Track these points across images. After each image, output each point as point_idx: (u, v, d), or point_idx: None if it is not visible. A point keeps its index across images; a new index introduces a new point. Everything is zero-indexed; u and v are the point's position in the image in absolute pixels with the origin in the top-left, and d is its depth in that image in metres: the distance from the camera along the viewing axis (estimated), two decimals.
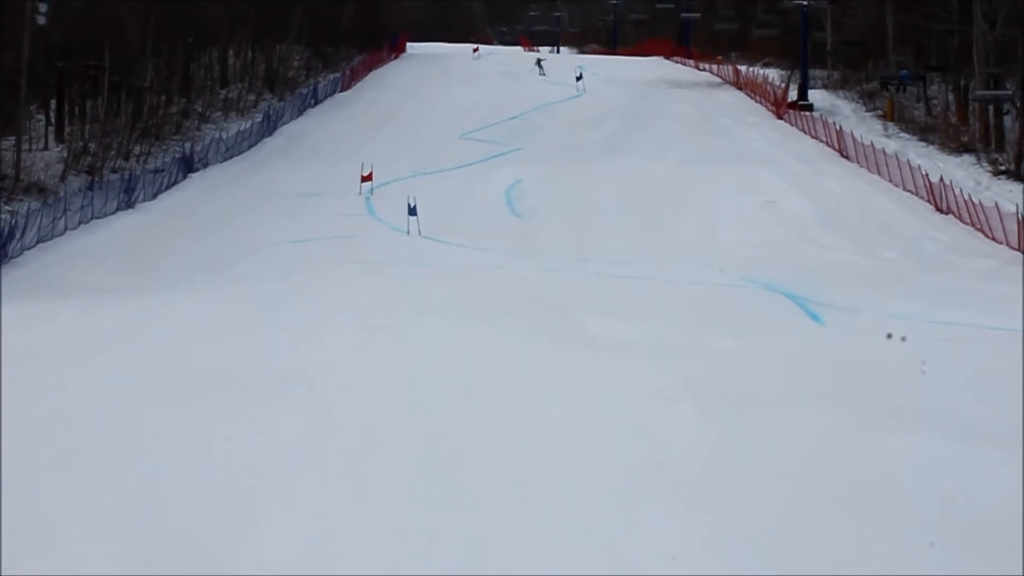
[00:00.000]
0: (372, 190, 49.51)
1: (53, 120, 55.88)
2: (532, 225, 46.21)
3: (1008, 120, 58.26)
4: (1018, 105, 57.49)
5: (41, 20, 53.98)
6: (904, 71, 68.76)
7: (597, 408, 14.85)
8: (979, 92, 58.96)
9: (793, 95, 69.70)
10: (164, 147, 57.41)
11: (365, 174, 49.56)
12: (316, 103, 72.24)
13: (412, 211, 41.75)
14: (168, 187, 52.17)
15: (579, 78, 76.40)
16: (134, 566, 9.85)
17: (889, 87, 69.89)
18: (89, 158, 52.02)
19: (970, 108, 61.87)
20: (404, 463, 11.91)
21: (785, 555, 9.90)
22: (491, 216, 47.09)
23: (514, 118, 67.24)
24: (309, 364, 16.33)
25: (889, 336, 14.00)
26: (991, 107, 59.06)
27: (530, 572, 9.23)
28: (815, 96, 69.52)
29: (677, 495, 11.35)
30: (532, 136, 63.15)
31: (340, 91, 76.05)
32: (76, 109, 56.40)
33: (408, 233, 41.51)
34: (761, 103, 71.77)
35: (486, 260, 36.78)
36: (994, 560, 9.80)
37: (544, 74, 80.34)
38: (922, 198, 51.47)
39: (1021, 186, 52.16)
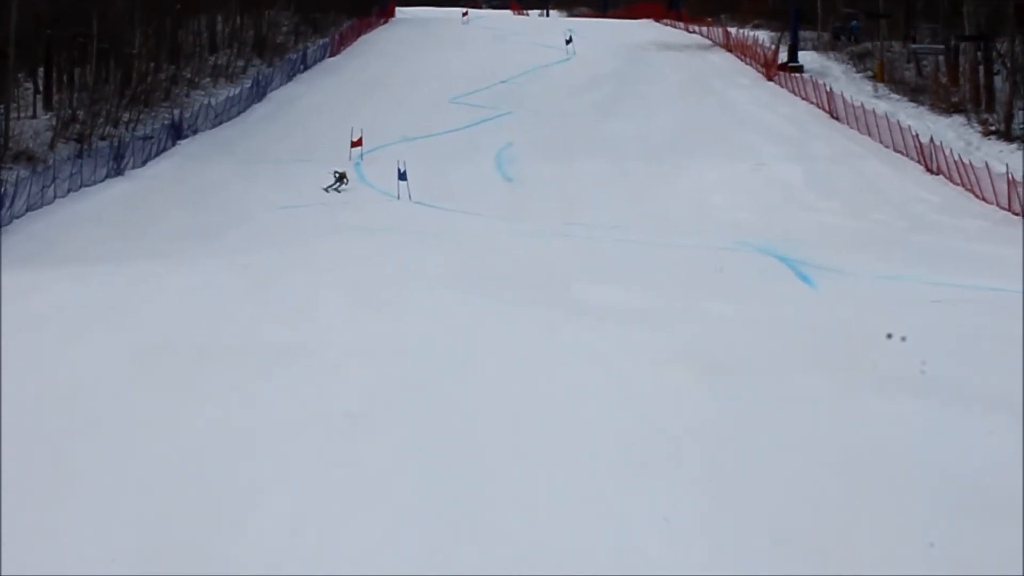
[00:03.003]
0: (362, 155, 49.43)
1: (41, 88, 55.67)
2: (523, 190, 46.16)
3: (999, 80, 58.21)
4: (1008, 65, 57.40)
5: None
6: (855, 22, 69.36)
7: (592, 375, 14.87)
8: (914, 45, 59.18)
9: (783, 57, 69.56)
10: (153, 114, 57.23)
11: (355, 139, 49.49)
12: (305, 69, 72.01)
13: (402, 176, 41.74)
14: (157, 154, 52.03)
15: (569, 41, 76.08)
16: (129, 541, 9.84)
17: (840, 37, 70.58)
18: (78, 126, 51.85)
19: (960, 69, 61.74)
20: (401, 434, 11.93)
21: (779, 520, 9.94)
22: (482, 181, 47.05)
23: (504, 82, 67.07)
24: (304, 336, 16.29)
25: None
26: (981, 67, 59.02)
27: (526, 537, 9.25)
28: (805, 58, 69.38)
29: (673, 461, 11.39)
30: (522, 100, 63.00)
31: (329, 56, 75.78)
32: (64, 77, 56.18)
33: (398, 198, 41.47)
34: (751, 65, 71.62)
35: (478, 225, 36.78)
36: (990, 530, 9.84)
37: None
38: (912, 159, 51.46)
39: (1011, 146, 52.15)
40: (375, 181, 45.39)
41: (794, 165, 50.31)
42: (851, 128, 57.17)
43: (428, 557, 8.96)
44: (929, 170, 49.91)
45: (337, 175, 43.17)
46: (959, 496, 10.42)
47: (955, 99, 59.09)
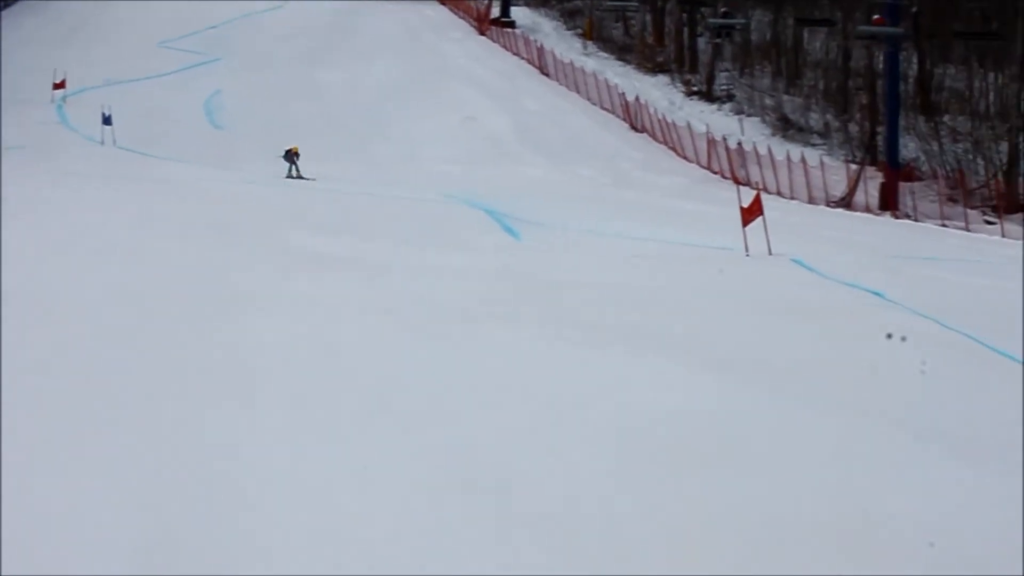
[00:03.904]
0: (64, 98, 48.13)
1: None
2: (232, 137, 45.72)
3: (702, 42, 60.13)
4: (711, 27, 59.28)
5: None
6: None
7: (294, 322, 14.91)
8: (609, 2, 61.54)
9: (496, 12, 70.39)
10: None
11: (57, 81, 48.12)
12: (6, 6, 69.48)
13: (107, 121, 40.83)
14: None
15: None
16: None
17: None
18: None
19: (666, 29, 63.53)
20: (126, 383, 11.80)
21: (472, 459, 10.20)
22: (190, 127, 46.40)
23: (214, 28, 66.02)
24: (19, 286, 15.83)
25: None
26: (686, 29, 60.86)
27: (211, 487, 9.25)
28: (517, 13, 70.41)
29: (367, 409, 11.53)
30: (232, 47, 62.23)
31: None
32: None
33: (103, 143, 40.58)
34: (464, 19, 72.23)
35: (186, 173, 36.20)
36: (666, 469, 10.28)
37: None
38: (618, 117, 52.84)
39: (712, 106, 54.02)
40: (78, 125, 44.26)
41: (503, 119, 51.12)
42: (560, 84, 58.36)
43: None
44: (634, 128, 51.35)
45: (287, 155, 37.21)
46: (650, 441, 10.88)
47: (660, 59, 60.86)
